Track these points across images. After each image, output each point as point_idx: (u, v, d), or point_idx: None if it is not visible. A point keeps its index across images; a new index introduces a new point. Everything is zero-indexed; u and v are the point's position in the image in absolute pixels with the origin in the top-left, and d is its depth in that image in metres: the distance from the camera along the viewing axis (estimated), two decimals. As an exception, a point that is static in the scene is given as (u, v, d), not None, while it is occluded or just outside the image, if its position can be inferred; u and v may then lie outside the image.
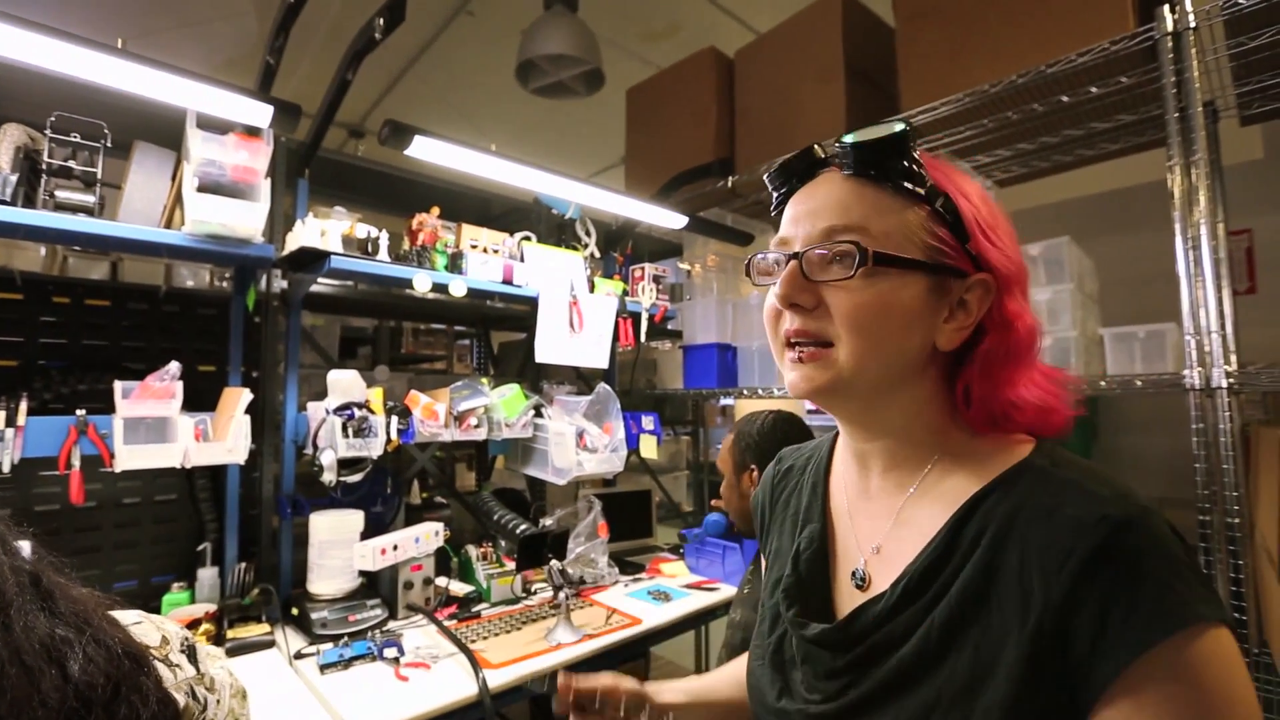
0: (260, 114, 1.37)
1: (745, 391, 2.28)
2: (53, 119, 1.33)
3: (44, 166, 1.32)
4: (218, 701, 0.75)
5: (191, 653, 0.70)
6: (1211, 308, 1.28)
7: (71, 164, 1.33)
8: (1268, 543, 1.38)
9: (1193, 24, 1.32)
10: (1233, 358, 1.29)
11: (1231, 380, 1.25)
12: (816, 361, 0.55)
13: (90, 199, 1.34)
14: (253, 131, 1.47)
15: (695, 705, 0.78)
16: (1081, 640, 0.44)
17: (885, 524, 0.59)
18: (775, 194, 0.63)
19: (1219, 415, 1.25)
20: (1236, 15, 1.31)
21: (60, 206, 1.31)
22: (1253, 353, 1.62)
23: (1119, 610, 0.43)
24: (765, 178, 0.63)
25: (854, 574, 0.59)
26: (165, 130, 1.48)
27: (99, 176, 1.36)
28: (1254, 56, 1.42)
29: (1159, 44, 1.36)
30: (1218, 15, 1.32)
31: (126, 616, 0.65)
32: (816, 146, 0.60)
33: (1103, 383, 1.47)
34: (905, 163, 0.54)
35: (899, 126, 0.53)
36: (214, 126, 1.42)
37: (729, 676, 0.80)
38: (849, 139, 0.55)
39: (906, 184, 0.54)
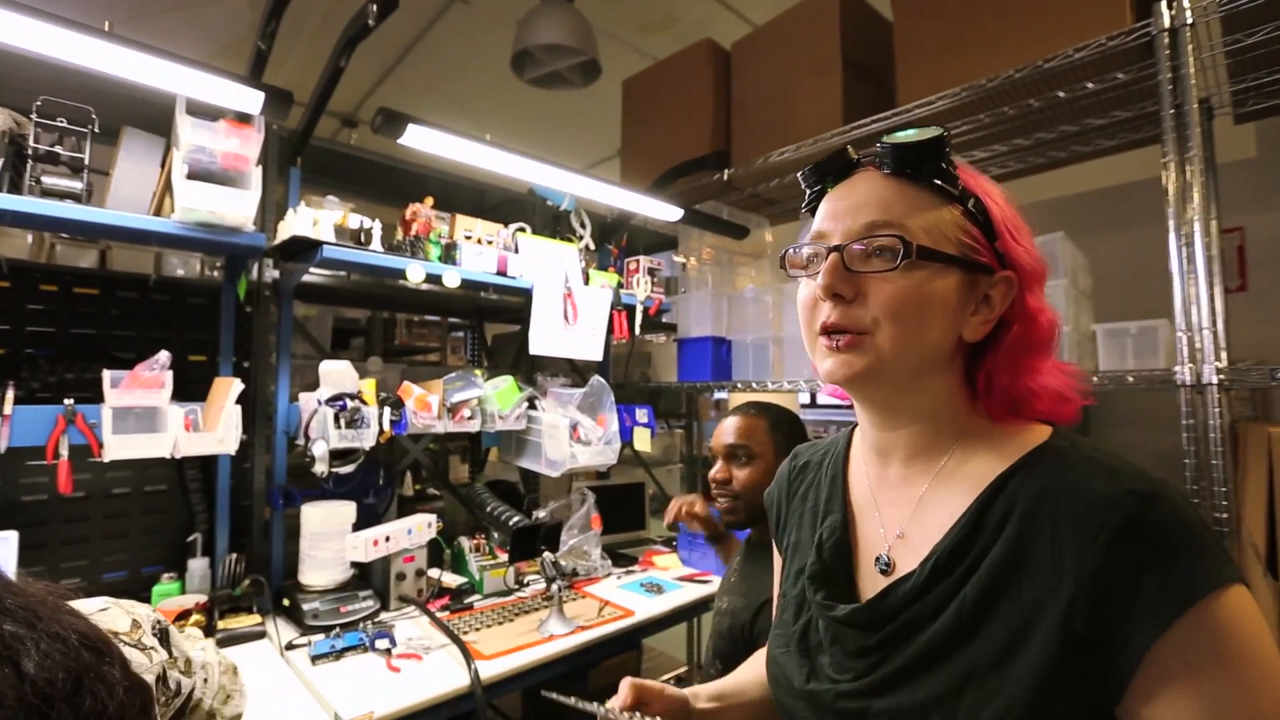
0: (251, 100, 1.35)
1: (739, 385, 2.29)
2: (38, 103, 1.30)
3: (30, 152, 1.29)
4: (205, 680, 0.74)
5: (164, 635, 0.69)
6: (1203, 305, 1.28)
7: (58, 149, 1.31)
8: (1254, 537, 1.40)
9: (1189, 20, 1.32)
10: (1223, 355, 1.30)
11: (1222, 377, 1.25)
12: (855, 348, 0.57)
13: (77, 185, 1.32)
14: (244, 118, 1.45)
15: (728, 708, 0.79)
16: (1117, 608, 0.46)
17: (908, 510, 0.61)
18: (808, 191, 0.66)
19: (1209, 411, 1.25)
20: (1233, 12, 1.30)
21: (47, 193, 1.29)
22: (1243, 350, 1.63)
23: (1154, 577, 0.46)
24: (799, 176, 0.66)
25: (878, 559, 0.62)
26: (154, 116, 1.46)
27: (86, 162, 1.34)
28: (1249, 54, 1.42)
29: (1156, 40, 1.36)
30: (1215, 11, 1.32)
31: (92, 604, 0.65)
32: (849, 148, 0.63)
33: (1095, 378, 1.47)
34: (942, 165, 0.57)
35: (937, 131, 0.57)
36: (204, 113, 1.40)
37: (755, 677, 0.81)
38: (892, 140, 0.58)
39: (941, 184, 0.57)
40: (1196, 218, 1.30)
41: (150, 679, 0.64)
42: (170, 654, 0.71)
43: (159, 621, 0.75)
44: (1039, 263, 0.59)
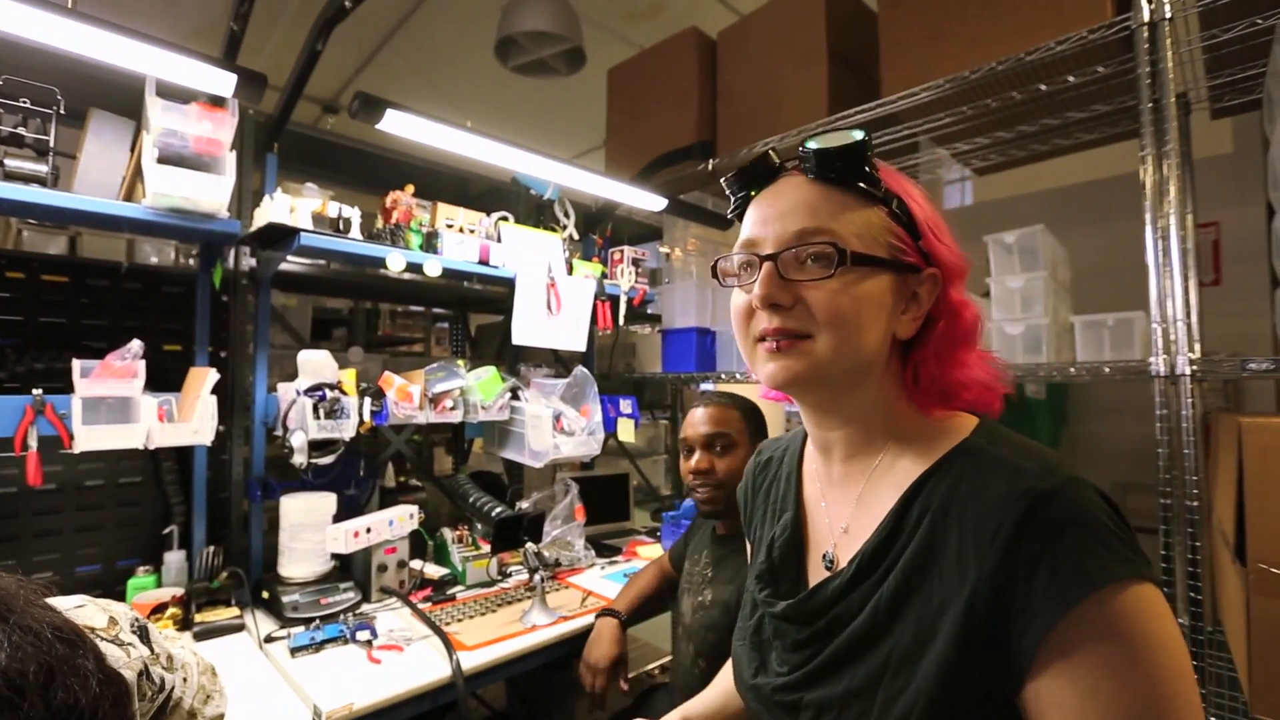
0: (223, 82, 1.31)
1: (723, 376, 2.29)
2: (0, 83, 1.26)
3: (-8, 133, 1.25)
4: (184, 680, 0.73)
5: (143, 633, 0.69)
6: (1178, 297, 1.30)
7: (22, 131, 1.27)
8: (1223, 525, 1.42)
9: (1168, 14, 1.33)
10: (1197, 346, 1.32)
11: (1195, 368, 1.28)
12: (794, 350, 0.57)
13: (43, 168, 1.28)
14: (216, 101, 1.41)
15: None
16: (1011, 605, 0.48)
17: (849, 507, 0.63)
18: (733, 198, 0.66)
19: (1182, 402, 1.28)
20: (1211, 7, 1.32)
21: (10, 176, 1.25)
22: (1216, 343, 1.66)
23: (1042, 575, 0.47)
24: (723, 182, 0.66)
25: (824, 556, 0.64)
26: (123, 98, 1.42)
27: (52, 145, 1.30)
28: (1226, 49, 1.43)
29: (1135, 34, 1.37)
30: (1193, 7, 1.33)
31: (67, 601, 0.64)
32: (771, 153, 0.63)
33: (1072, 369, 1.49)
34: (865, 168, 0.58)
35: (859, 135, 0.58)
36: (176, 95, 1.36)
37: (724, 689, 0.85)
38: (813, 145, 0.59)
39: (865, 187, 0.58)
40: (1173, 212, 1.32)
41: (130, 675, 0.63)
42: (152, 650, 0.70)
43: (137, 619, 0.73)
44: (960, 259, 0.61)
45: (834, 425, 0.64)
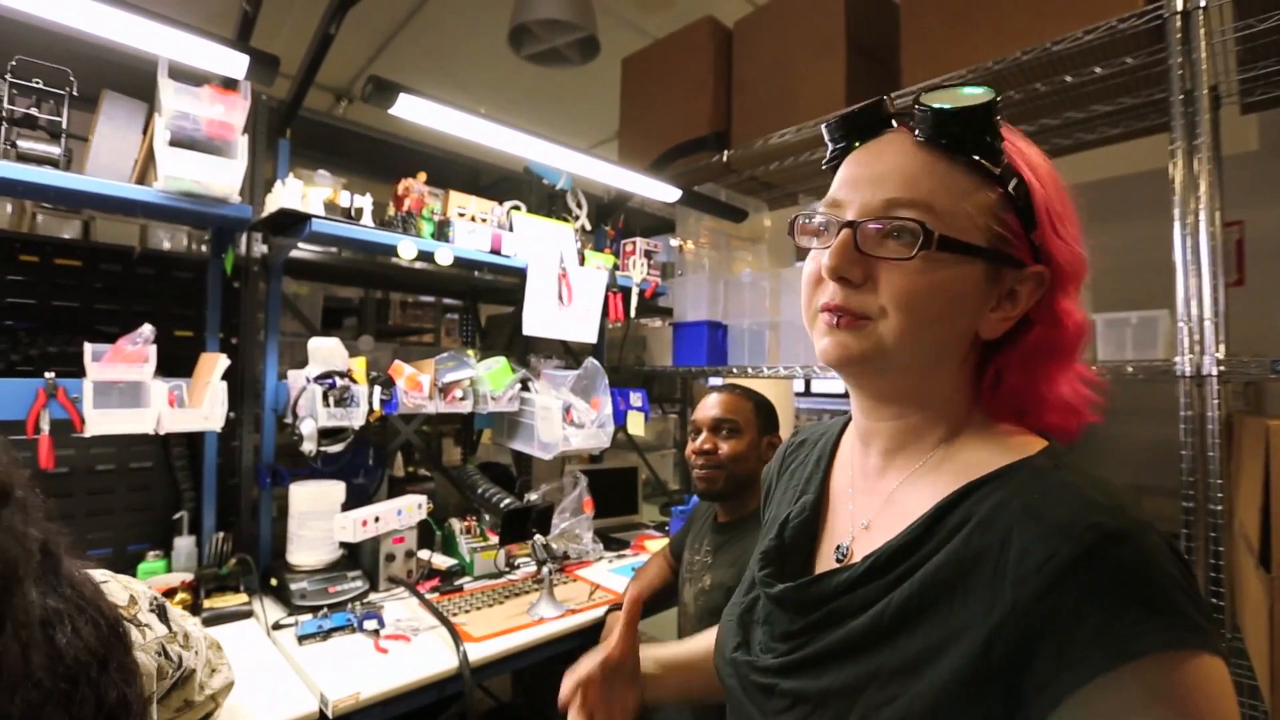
0: (235, 64, 1.30)
1: (735, 370, 2.27)
2: (12, 63, 1.26)
3: (4, 114, 1.25)
4: (196, 653, 0.74)
5: (161, 611, 0.69)
6: (1206, 297, 1.27)
7: (34, 113, 1.27)
8: (1245, 529, 1.39)
9: (1203, 3, 1.29)
10: (1222, 347, 1.29)
11: (1222, 368, 1.25)
12: (854, 329, 0.52)
13: (55, 150, 1.28)
14: (229, 84, 1.40)
15: (671, 674, 0.80)
16: (1044, 646, 0.41)
17: (878, 503, 0.58)
18: (832, 146, 0.59)
19: (1208, 403, 1.25)
20: (1248, -5, 1.28)
21: (23, 157, 1.24)
22: (1238, 344, 1.63)
23: (1094, 621, 0.40)
24: (824, 128, 0.59)
25: (838, 548, 0.59)
26: (135, 80, 1.41)
27: (64, 127, 1.30)
28: (1260, 41, 1.39)
29: (1167, 23, 1.33)
30: (1229, -6, 1.30)
31: (94, 576, 0.64)
32: (887, 100, 0.56)
33: (1094, 368, 1.46)
34: (986, 137, 0.50)
35: (987, 96, 0.49)
36: (188, 78, 1.35)
37: (703, 647, 0.81)
38: (932, 102, 0.50)
39: (981, 161, 0.50)
40: (1203, 209, 1.28)
41: (146, 656, 0.65)
42: (170, 629, 0.72)
43: (155, 598, 0.74)
44: (1079, 259, 0.52)
45: (883, 415, 0.58)
